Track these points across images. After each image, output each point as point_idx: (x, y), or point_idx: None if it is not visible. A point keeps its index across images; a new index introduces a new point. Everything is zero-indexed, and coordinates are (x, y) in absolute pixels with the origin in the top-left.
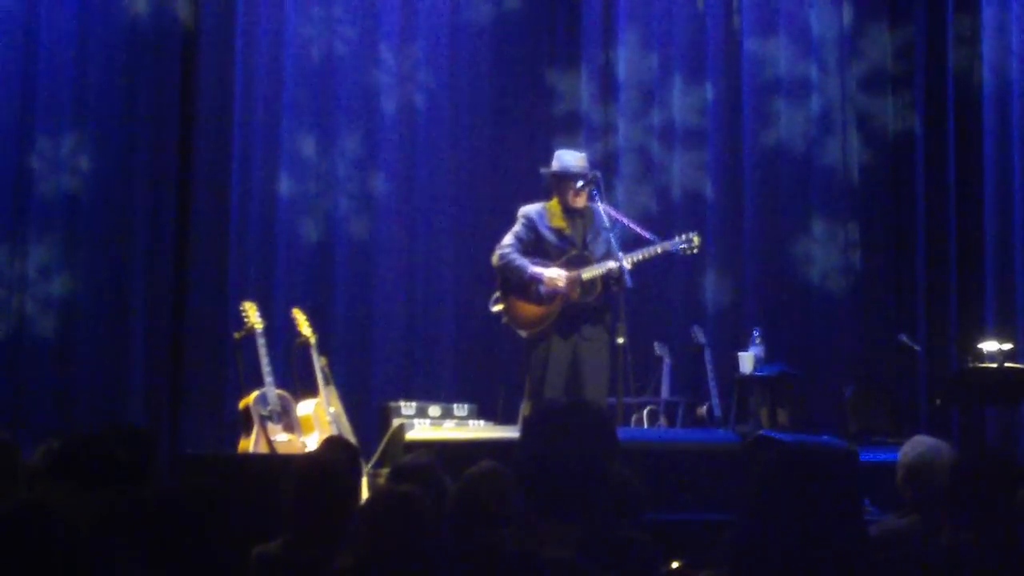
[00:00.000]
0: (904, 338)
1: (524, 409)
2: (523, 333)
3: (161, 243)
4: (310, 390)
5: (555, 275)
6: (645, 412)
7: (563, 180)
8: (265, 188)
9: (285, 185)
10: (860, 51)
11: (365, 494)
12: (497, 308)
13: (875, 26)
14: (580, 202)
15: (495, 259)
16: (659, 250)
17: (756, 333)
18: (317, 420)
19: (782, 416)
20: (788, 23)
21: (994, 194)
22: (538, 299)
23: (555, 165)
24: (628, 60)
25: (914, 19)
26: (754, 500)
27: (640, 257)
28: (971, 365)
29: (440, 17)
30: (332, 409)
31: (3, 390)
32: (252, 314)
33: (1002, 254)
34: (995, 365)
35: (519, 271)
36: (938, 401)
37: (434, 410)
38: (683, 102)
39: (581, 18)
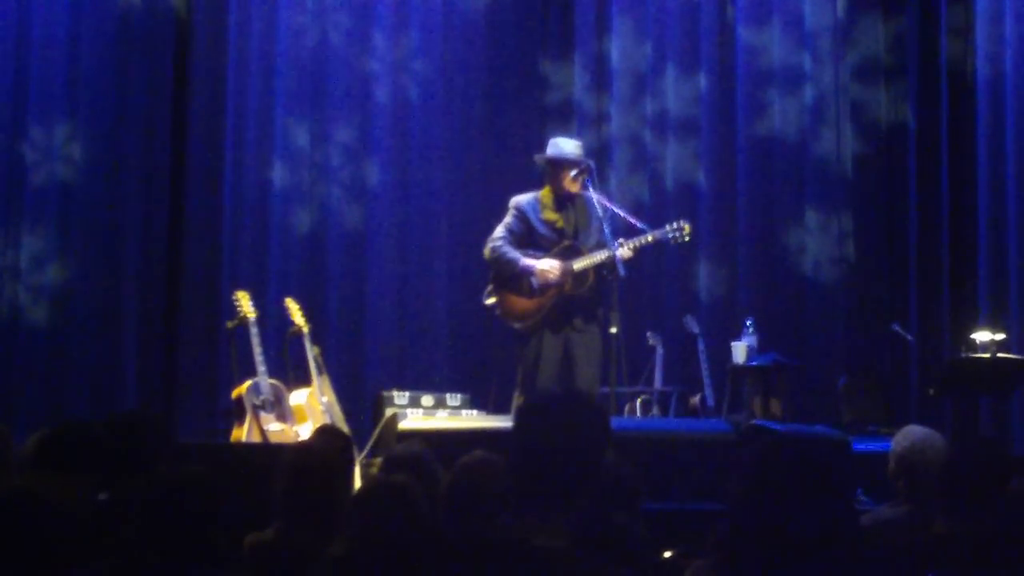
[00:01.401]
0: (897, 328)
1: (516, 400)
2: (516, 325)
3: (154, 233)
4: (303, 379)
5: (547, 267)
6: (638, 402)
7: (558, 166)
8: (258, 177)
9: (278, 174)
10: (853, 41)
11: (358, 483)
12: (490, 301)
13: (868, 16)
14: (575, 188)
15: (487, 252)
16: (650, 239)
17: (749, 323)
18: (310, 409)
19: (775, 406)
20: (782, 13)
21: (987, 184)
22: (530, 292)
23: (550, 151)
24: (621, 49)
25: (907, 9)
26: (747, 490)
27: (634, 245)
28: (964, 355)
29: (433, 6)
30: (325, 399)
31: None
32: (245, 303)
33: (995, 244)
34: (988, 355)
35: (511, 264)
36: (931, 391)
37: (427, 400)
38: (676, 91)
39: (574, 7)
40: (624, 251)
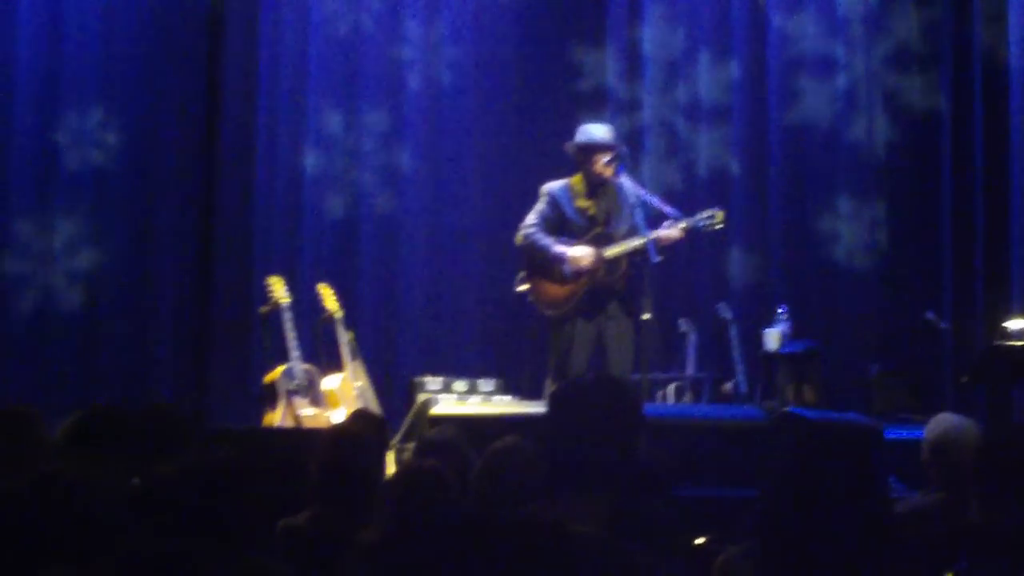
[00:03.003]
0: (930, 316)
1: (549, 387)
2: (548, 312)
3: (187, 218)
4: (336, 365)
5: (579, 254)
6: (671, 388)
7: (589, 152)
8: (291, 163)
9: (311, 160)
10: (887, 28)
11: (391, 469)
12: (522, 288)
13: (901, 3)
14: (608, 172)
15: (519, 238)
16: (683, 226)
17: (782, 310)
18: (343, 394)
19: (808, 393)
20: (814, 0)
21: (1021, 172)
22: (562, 278)
23: (580, 137)
24: (654, 36)
25: None
26: (779, 477)
27: (682, 227)
28: (998, 343)
29: None
30: (358, 384)
31: (30, 364)
32: (278, 289)
33: None
34: (1022, 343)
35: (543, 251)
36: (964, 379)
37: (459, 385)
38: (709, 78)
39: None
40: (674, 232)
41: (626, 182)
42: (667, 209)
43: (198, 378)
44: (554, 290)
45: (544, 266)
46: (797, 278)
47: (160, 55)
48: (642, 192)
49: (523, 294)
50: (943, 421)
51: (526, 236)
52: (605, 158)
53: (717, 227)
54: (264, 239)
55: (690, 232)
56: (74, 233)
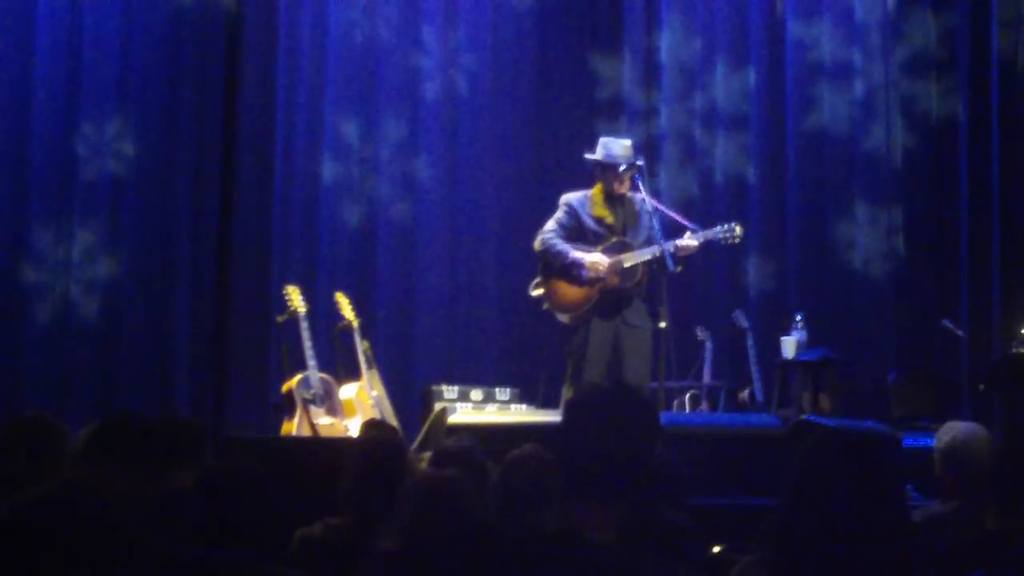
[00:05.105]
0: (947, 323)
1: (565, 393)
2: (563, 318)
3: (205, 227)
4: (353, 374)
5: (596, 260)
6: (687, 396)
7: (607, 168)
8: (308, 172)
9: (328, 169)
10: (903, 35)
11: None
12: (536, 292)
13: (919, 10)
14: (623, 189)
15: (537, 244)
16: (701, 239)
17: (799, 318)
18: (360, 403)
19: (824, 401)
20: (831, 7)
21: None
22: (579, 283)
23: (600, 152)
24: (671, 44)
25: (958, 3)
26: (796, 485)
27: (701, 238)
28: (1014, 350)
29: (482, 1)
30: (375, 393)
31: (48, 373)
32: (295, 298)
33: None
34: None
35: (560, 256)
36: (981, 386)
37: (476, 394)
38: (726, 86)
39: (623, 2)
40: (692, 243)
41: (644, 197)
42: (685, 223)
43: (215, 387)
44: (570, 294)
45: (560, 271)
46: (814, 286)
47: (178, 65)
48: (659, 206)
49: (538, 300)
50: (951, 429)
51: (544, 241)
52: (620, 170)
53: (735, 241)
54: (281, 248)
55: (708, 242)
56: (92, 242)
